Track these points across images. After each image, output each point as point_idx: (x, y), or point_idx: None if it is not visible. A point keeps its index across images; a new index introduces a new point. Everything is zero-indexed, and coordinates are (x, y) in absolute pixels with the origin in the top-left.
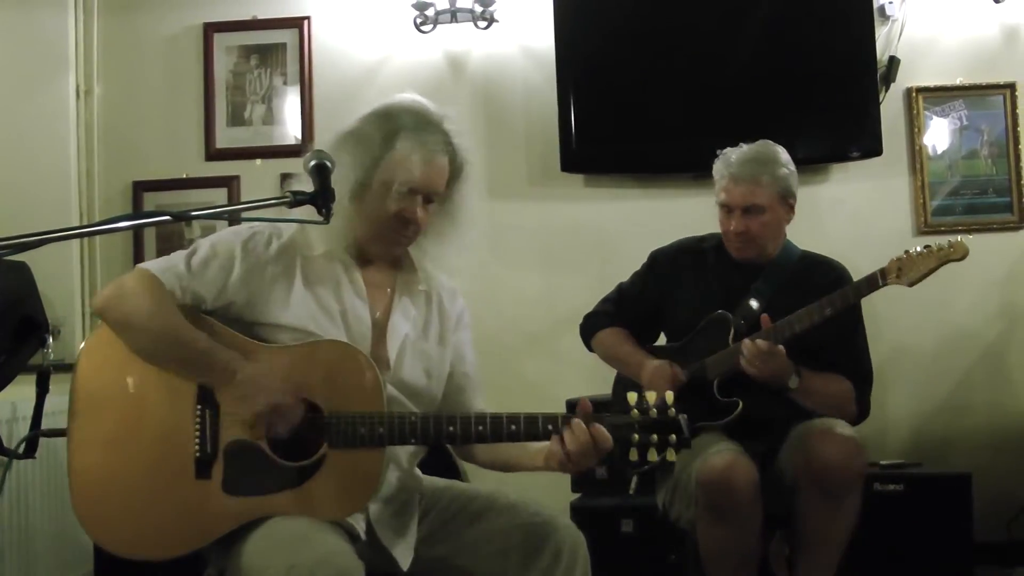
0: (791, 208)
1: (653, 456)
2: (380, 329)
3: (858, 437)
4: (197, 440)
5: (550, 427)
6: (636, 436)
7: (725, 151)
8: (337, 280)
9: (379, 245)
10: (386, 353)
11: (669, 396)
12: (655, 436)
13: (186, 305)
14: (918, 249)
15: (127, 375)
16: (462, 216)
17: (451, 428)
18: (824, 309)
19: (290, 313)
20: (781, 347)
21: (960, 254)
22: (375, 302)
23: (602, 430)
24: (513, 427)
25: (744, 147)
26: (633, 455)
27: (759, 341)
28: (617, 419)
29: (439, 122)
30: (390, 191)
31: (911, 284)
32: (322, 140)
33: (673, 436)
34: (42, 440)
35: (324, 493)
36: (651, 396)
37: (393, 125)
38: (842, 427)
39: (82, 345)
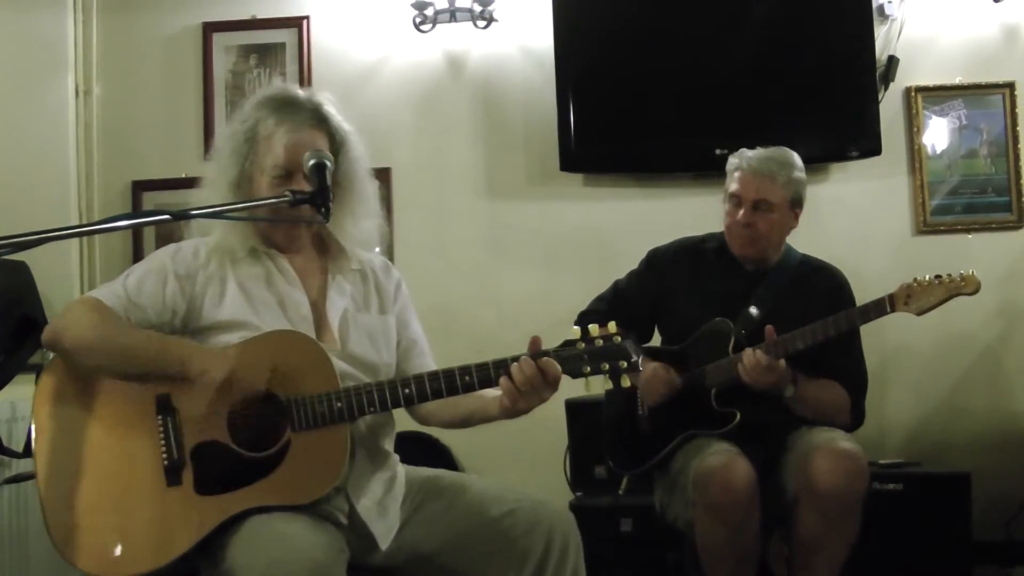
0: (796, 217)
1: (608, 384)
2: (319, 310)
3: (861, 453)
4: (163, 449)
5: (501, 371)
6: (587, 368)
7: (741, 150)
8: (268, 273)
9: (278, 233)
10: (330, 331)
11: (611, 326)
12: (605, 364)
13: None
14: (928, 278)
15: (84, 402)
16: (359, 184)
17: (406, 390)
18: (828, 329)
19: (227, 310)
20: (781, 361)
21: (971, 288)
22: (310, 287)
23: (550, 361)
24: (467, 378)
25: (760, 149)
26: (588, 387)
27: (759, 354)
28: (565, 352)
29: (302, 100)
30: (264, 176)
31: (919, 313)
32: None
33: (623, 362)
34: None
35: (295, 477)
36: (594, 329)
37: (254, 115)
38: (845, 442)
39: (36, 383)
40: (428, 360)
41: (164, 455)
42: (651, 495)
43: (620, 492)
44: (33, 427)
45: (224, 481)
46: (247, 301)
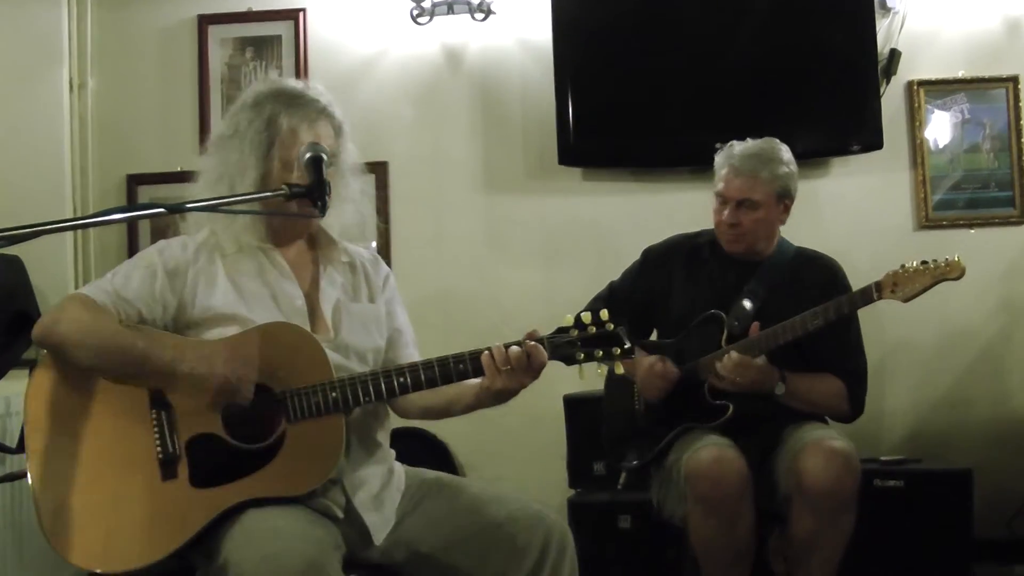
0: (786, 209)
1: (602, 370)
2: (312, 300)
3: (851, 450)
4: (158, 442)
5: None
6: (580, 354)
7: (730, 143)
8: (260, 266)
9: (300, 222)
10: (323, 321)
11: (604, 313)
12: (599, 351)
13: (121, 321)
14: (915, 264)
15: (76, 398)
16: (349, 170)
17: (401, 379)
18: (816, 319)
19: (218, 304)
20: (759, 360)
21: (956, 273)
22: (302, 279)
23: (537, 346)
24: (461, 366)
25: (749, 141)
26: (582, 374)
27: (733, 355)
28: (558, 339)
29: (304, 91)
30: (293, 168)
31: (905, 300)
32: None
33: (616, 348)
34: None
35: (292, 468)
36: (587, 316)
37: (268, 110)
38: (833, 439)
39: (28, 380)
40: (413, 351)
41: (159, 449)
42: (647, 491)
43: (619, 486)
44: (25, 424)
45: (220, 473)
46: (238, 295)
